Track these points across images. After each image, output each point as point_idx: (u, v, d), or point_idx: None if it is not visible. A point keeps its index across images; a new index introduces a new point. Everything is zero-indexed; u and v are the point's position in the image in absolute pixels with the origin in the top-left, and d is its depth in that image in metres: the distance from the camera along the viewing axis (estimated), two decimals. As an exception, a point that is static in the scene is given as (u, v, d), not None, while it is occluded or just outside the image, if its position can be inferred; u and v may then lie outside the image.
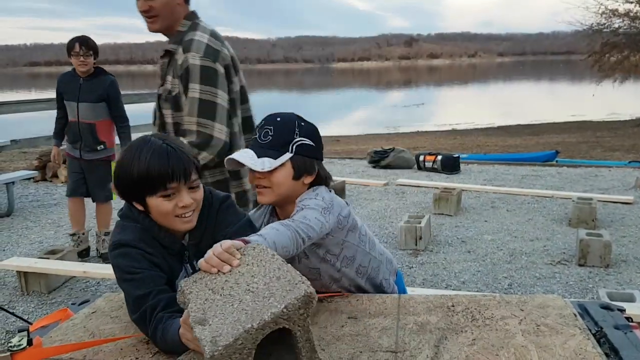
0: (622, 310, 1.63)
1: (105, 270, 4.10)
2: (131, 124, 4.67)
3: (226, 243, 1.27)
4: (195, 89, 2.23)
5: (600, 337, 1.41)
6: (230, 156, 1.65)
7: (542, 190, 6.90)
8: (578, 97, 31.87)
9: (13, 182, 6.40)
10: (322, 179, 1.73)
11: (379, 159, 9.05)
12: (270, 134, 1.64)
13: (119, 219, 1.65)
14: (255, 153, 1.63)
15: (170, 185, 1.49)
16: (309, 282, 1.06)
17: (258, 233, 1.41)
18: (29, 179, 7.65)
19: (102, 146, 4.52)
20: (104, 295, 1.82)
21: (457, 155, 8.74)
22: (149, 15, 2.30)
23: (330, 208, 1.62)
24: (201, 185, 1.59)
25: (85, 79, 4.46)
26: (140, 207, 1.56)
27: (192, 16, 2.38)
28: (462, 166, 8.57)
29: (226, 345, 0.96)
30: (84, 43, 4.40)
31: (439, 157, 8.47)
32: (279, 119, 1.67)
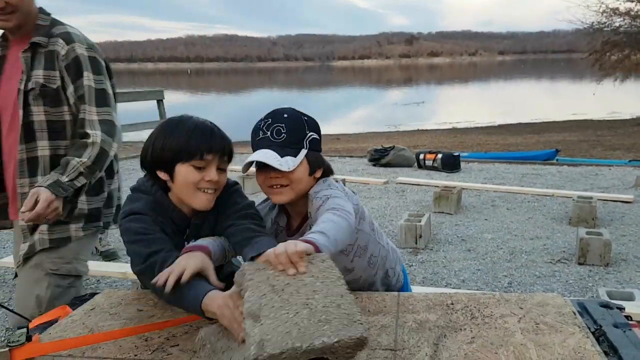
0: (621, 309, 1.63)
1: (105, 268, 4.10)
2: (131, 122, 4.67)
3: (300, 245, 1.21)
4: (90, 78, 2.16)
5: (600, 336, 1.41)
6: (253, 158, 1.60)
7: (543, 189, 6.90)
8: (579, 95, 31.86)
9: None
10: (327, 170, 1.74)
11: (379, 157, 9.05)
12: (283, 131, 1.61)
13: (130, 192, 1.70)
14: (276, 152, 1.59)
15: (207, 155, 1.57)
16: (367, 325, 1.06)
17: (319, 230, 1.36)
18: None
19: None
20: (103, 291, 1.82)
21: (457, 154, 8.73)
22: (5, 12, 2.11)
23: (346, 195, 1.63)
24: (227, 171, 1.66)
25: None
26: (164, 176, 1.62)
27: (45, 11, 2.28)
28: (462, 165, 8.56)
29: (271, 355, 0.97)
30: None
31: (439, 156, 8.46)
32: (286, 115, 1.64)
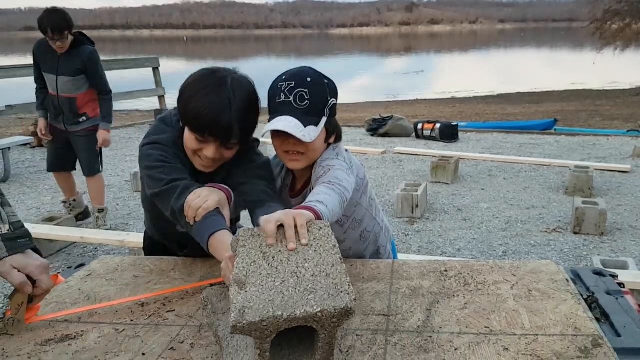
0: (614, 277, 1.64)
1: (103, 236, 4.11)
2: (126, 90, 4.62)
3: (302, 217, 1.16)
4: None
5: (592, 302, 1.42)
6: (276, 127, 1.52)
7: (540, 158, 6.90)
8: (578, 65, 31.62)
9: (9, 148, 6.38)
10: (338, 137, 1.70)
11: (377, 127, 9.01)
12: (306, 97, 1.54)
13: (156, 121, 1.71)
14: (299, 121, 1.53)
15: (208, 137, 1.53)
16: (354, 296, 1.02)
17: (318, 200, 1.35)
18: (25, 144, 7.63)
19: (84, 117, 4.37)
20: (99, 257, 1.83)
21: (455, 124, 8.71)
22: None
23: (351, 168, 1.60)
24: (234, 149, 1.59)
25: (62, 52, 4.23)
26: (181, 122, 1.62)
27: None
28: (460, 134, 8.55)
29: (251, 322, 0.97)
30: (56, 30, 4.04)
31: (438, 126, 8.43)
32: (309, 79, 1.57)
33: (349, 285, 1.04)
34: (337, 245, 1.14)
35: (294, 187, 1.77)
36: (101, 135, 4.40)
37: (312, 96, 1.55)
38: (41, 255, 1.39)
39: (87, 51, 4.29)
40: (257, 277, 1.05)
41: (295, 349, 1.09)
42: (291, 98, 1.54)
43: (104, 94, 4.41)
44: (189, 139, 1.57)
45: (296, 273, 1.06)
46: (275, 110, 1.57)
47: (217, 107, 1.50)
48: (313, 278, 1.05)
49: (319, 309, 0.98)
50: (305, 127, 1.52)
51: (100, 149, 4.47)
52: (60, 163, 4.58)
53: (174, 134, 1.64)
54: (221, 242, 1.40)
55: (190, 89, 1.56)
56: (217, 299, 1.25)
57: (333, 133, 1.66)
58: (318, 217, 1.25)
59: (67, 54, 4.22)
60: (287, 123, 1.52)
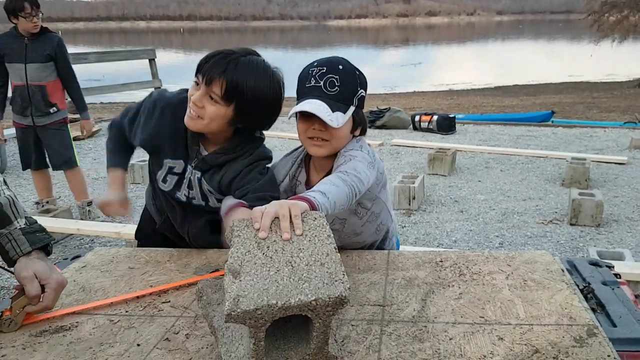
0: (610, 267, 1.64)
1: (99, 228, 4.11)
2: (122, 81, 4.61)
3: (297, 207, 1.17)
4: None
5: (588, 293, 1.42)
6: (305, 108, 1.52)
7: (537, 150, 6.90)
8: (576, 57, 31.58)
9: (5, 140, 6.34)
10: (364, 130, 1.71)
11: (375, 119, 9.00)
12: (337, 84, 1.55)
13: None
14: (327, 105, 1.53)
15: (198, 75, 1.56)
16: (348, 285, 1.02)
17: (320, 190, 1.34)
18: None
19: (54, 108, 4.27)
20: (94, 249, 1.82)
21: (452, 116, 8.70)
22: None
23: (373, 162, 1.60)
24: (218, 107, 1.56)
25: (30, 38, 4.14)
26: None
27: None
28: (457, 126, 8.55)
29: (245, 311, 0.96)
30: (34, 2, 4.04)
31: (435, 117, 8.42)
32: (341, 67, 1.58)
33: (343, 274, 1.04)
34: (332, 235, 1.14)
35: (309, 182, 1.74)
36: (86, 126, 4.39)
37: (342, 84, 1.55)
38: (51, 250, 1.39)
39: (55, 38, 4.25)
40: (251, 266, 1.05)
41: (290, 338, 1.09)
42: (321, 83, 1.55)
43: (73, 82, 4.35)
44: (191, 88, 1.61)
45: (290, 262, 1.06)
46: (305, 94, 1.57)
47: (222, 57, 1.54)
48: (307, 267, 1.05)
49: (313, 298, 0.98)
50: (333, 112, 1.53)
51: (72, 143, 4.42)
52: (36, 160, 4.48)
53: (183, 97, 1.66)
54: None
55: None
56: (212, 290, 1.25)
57: (359, 125, 1.66)
58: (313, 207, 1.24)
59: (35, 40, 4.15)
60: (315, 106, 1.52)
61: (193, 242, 1.84)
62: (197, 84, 1.57)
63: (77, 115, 4.79)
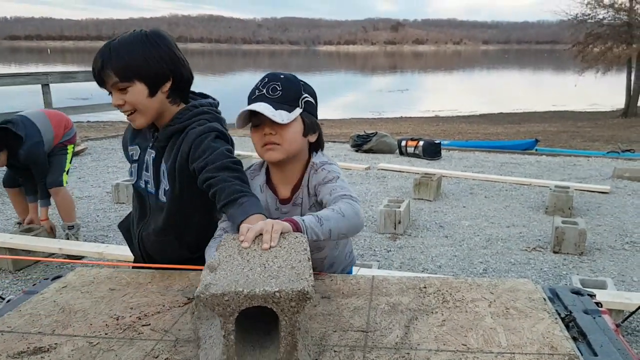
0: (592, 296, 1.65)
1: (81, 248, 4.06)
2: (110, 100, 4.55)
3: (279, 225, 1.31)
4: None
5: (569, 321, 1.43)
6: (247, 108, 1.56)
7: (521, 178, 6.97)
8: (560, 87, 32.14)
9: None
10: (321, 142, 1.73)
11: (362, 143, 9.05)
12: (279, 89, 1.59)
13: None
14: (271, 106, 1.56)
15: (103, 85, 1.67)
16: (312, 283, 1.09)
17: (319, 215, 1.43)
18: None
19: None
20: (75, 269, 1.80)
21: (438, 142, 8.78)
22: None
23: (347, 186, 1.61)
24: (136, 88, 1.64)
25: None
26: None
27: None
28: (443, 152, 8.62)
29: (213, 294, 1.04)
30: None
31: (421, 143, 8.49)
32: (282, 76, 1.64)
33: (310, 275, 1.12)
34: (308, 250, 1.25)
35: (278, 195, 1.72)
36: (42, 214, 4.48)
37: (284, 89, 1.60)
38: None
39: (21, 155, 4.16)
40: (228, 265, 1.17)
41: (266, 347, 1.14)
42: (264, 91, 1.59)
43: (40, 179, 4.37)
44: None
45: (264, 265, 1.17)
46: (249, 103, 1.61)
47: (97, 57, 1.65)
48: (279, 269, 1.14)
49: (277, 289, 1.05)
50: (276, 110, 1.56)
51: (63, 164, 4.38)
52: (13, 178, 4.46)
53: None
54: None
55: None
56: (203, 307, 1.26)
57: (313, 130, 1.67)
58: (298, 229, 1.36)
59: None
60: (257, 105, 1.55)
61: (140, 245, 1.91)
62: (110, 93, 1.68)
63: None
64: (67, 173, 4.42)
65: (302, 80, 1.69)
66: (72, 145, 4.50)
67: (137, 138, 1.86)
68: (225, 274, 1.11)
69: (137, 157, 1.85)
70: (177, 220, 1.81)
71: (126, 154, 1.93)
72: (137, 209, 1.92)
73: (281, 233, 1.32)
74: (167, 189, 1.78)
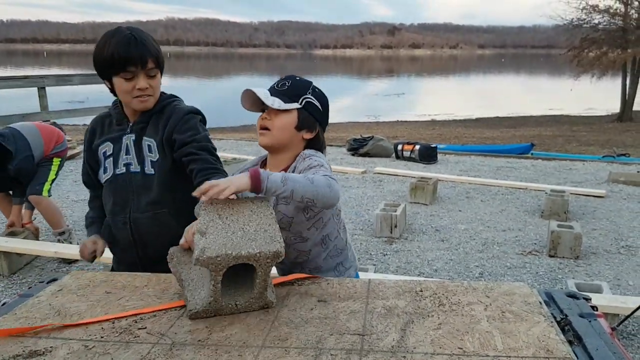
0: (587, 299, 1.65)
1: (76, 251, 4.04)
2: (107, 104, 4.48)
3: (231, 184, 1.45)
4: None
5: (565, 325, 1.43)
6: (247, 88, 1.70)
7: (516, 182, 6.99)
8: (556, 91, 32.24)
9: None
10: (320, 144, 1.82)
11: (358, 147, 9.06)
12: (287, 85, 1.75)
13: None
14: (270, 93, 1.71)
15: (129, 67, 1.78)
16: (283, 244, 1.40)
17: (287, 175, 1.51)
18: None
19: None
20: (71, 272, 1.80)
21: (434, 146, 8.79)
22: None
23: (330, 173, 1.65)
24: (159, 76, 1.88)
25: None
26: (108, 85, 1.89)
27: None
28: (439, 156, 8.63)
29: (209, 257, 1.32)
30: None
31: (417, 147, 8.51)
32: (297, 78, 1.80)
33: (280, 237, 1.41)
34: (274, 213, 1.50)
35: None
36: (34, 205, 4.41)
37: (291, 86, 1.75)
38: None
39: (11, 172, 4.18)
40: (214, 229, 1.41)
41: (239, 289, 1.46)
42: (274, 84, 1.78)
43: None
44: (122, 85, 1.82)
45: (242, 228, 1.42)
46: None
47: (125, 41, 1.78)
48: (255, 232, 1.42)
49: (258, 251, 1.36)
50: (272, 96, 1.70)
51: (46, 175, 4.32)
52: (2, 184, 4.39)
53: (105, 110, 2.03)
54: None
55: (96, 47, 1.84)
56: (181, 254, 1.58)
57: (307, 127, 1.76)
58: (256, 178, 1.47)
59: None
60: (258, 89, 1.69)
61: (133, 229, 1.95)
62: (129, 78, 1.80)
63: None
64: (50, 184, 4.33)
65: (318, 88, 1.81)
66: (60, 159, 4.43)
67: (104, 135, 1.98)
68: (214, 238, 1.37)
69: (111, 151, 1.95)
70: (168, 190, 1.92)
71: (92, 157, 2.01)
72: (115, 202, 1.97)
73: (248, 198, 1.53)
74: (154, 160, 1.91)
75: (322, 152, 1.81)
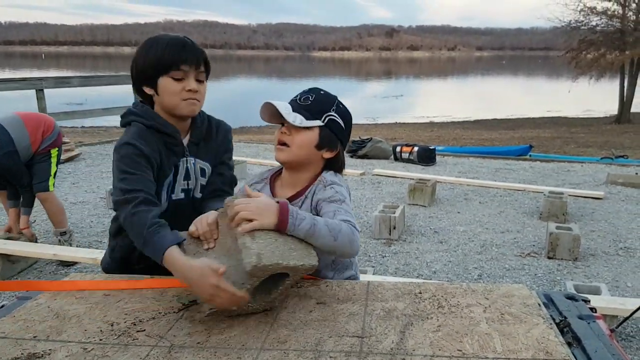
0: (586, 301, 1.65)
1: (76, 254, 4.04)
2: (105, 106, 4.51)
3: (255, 224, 1.41)
4: None
5: (564, 327, 1.43)
6: (269, 100, 1.63)
7: (515, 183, 6.99)
8: (554, 93, 32.29)
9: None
10: (340, 164, 1.76)
11: (357, 149, 9.06)
12: (310, 99, 1.66)
13: (120, 118, 1.83)
14: (292, 108, 1.64)
15: (183, 66, 1.70)
16: (317, 258, 1.43)
17: (316, 225, 1.45)
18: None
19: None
20: (69, 275, 1.79)
21: (433, 147, 8.80)
22: None
23: (351, 212, 1.61)
24: (205, 84, 1.80)
25: None
26: (149, 91, 1.75)
27: None
28: (437, 158, 8.63)
29: (265, 265, 1.33)
30: None
31: (416, 149, 8.51)
32: (322, 92, 1.70)
33: (314, 249, 1.45)
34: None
35: (273, 196, 1.72)
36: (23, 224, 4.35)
37: (314, 101, 1.66)
38: None
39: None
40: (260, 232, 1.40)
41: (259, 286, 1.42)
42: (297, 97, 1.69)
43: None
44: (168, 85, 1.71)
45: (282, 236, 1.43)
46: None
47: (179, 41, 1.73)
48: (292, 241, 1.43)
49: (301, 263, 1.39)
50: (293, 112, 1.62)
51: (49, 169, 4.25)
52: None
53: (140, 125, 1.75)
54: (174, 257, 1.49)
55: (142, 49, 1.75)
56: (188, 242, 1.56)
57: (329, 146, 1.68)
58: (284, 222, 1.42)
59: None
60: (280, 103, 1.62)
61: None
62: (178, 79, 1.70)
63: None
64: (53, 177, 4.27)
65: (342, 104, 1.73)
66: (57, 149, 4.29)
67: (162, 169, 1.77)
68: (263, 243, 1.38)
69: (171, 179, 1.81)
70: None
71: (159, 175, 1.77)
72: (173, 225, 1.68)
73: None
74: (203, 184, 1.89)
75: (341, 173, 1.77)
